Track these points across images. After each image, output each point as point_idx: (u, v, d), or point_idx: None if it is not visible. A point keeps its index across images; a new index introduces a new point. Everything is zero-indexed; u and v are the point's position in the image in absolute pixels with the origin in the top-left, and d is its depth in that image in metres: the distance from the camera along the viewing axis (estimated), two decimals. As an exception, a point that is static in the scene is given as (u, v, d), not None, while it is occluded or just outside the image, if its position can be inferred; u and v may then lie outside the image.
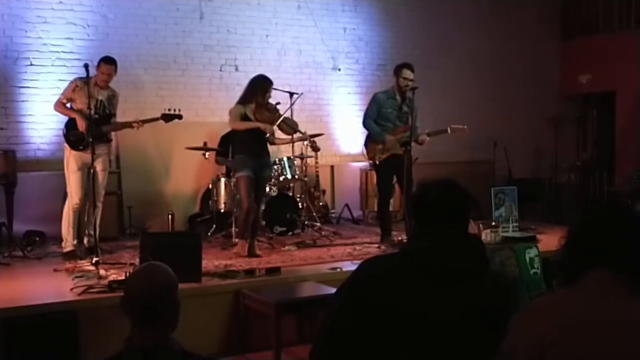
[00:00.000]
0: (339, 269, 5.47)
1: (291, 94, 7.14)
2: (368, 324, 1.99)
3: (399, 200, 7.50)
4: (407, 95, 6.37)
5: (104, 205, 6.22)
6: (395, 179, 6.56)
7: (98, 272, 5.11)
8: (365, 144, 6.67)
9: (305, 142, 7.27)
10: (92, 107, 5.86)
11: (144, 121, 6.18)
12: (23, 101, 7.26)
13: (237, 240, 6.23)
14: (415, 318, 1.96)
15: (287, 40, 8.64)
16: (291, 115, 6.62)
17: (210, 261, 5.68)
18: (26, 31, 7.25)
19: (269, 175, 6.55)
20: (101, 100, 6.07)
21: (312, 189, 8.22)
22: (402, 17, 9.36)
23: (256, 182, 5.99)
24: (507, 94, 9.95)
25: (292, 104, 6.94)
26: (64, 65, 7.36)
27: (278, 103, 6.23)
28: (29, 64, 7.27)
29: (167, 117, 6.30)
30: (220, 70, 8.26)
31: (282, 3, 8.61)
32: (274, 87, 6.16)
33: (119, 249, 6.43)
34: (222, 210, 7.06)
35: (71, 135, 6.01)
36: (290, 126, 6.15)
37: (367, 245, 6.62)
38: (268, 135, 5.91)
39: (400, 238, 6.43)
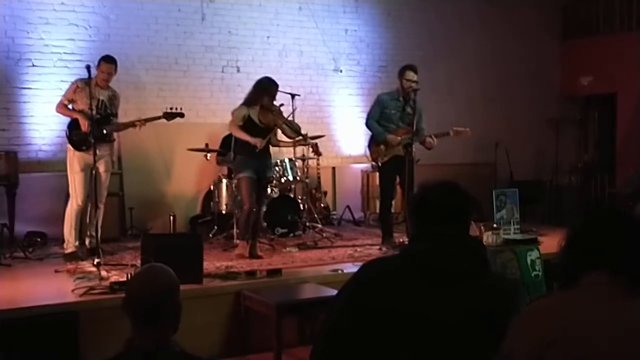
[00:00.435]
0: (340, 271, 5.47)
1: (292, 96, 7.14)
2: (369, 326, 1.99)
3: (401, 202, 7.50)
4: (410, 96, 6.39)
5: (105, 206, 6.23)
6: (398, 180, 6.58)
7: (99, 274, 5.12)
8: (369, 145, 6.68)
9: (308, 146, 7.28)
10: (94, 107, 5.86)
11: (147, 120, 6.18)
12: (25, 102, 7.27)
13: (238, 241, 6.23)
14: (416, 319, 1.96)
15: (288, 41, 8.64)
16: (292, 117, 6.62)
17: (212, 262, 5.68)
18: (28, 32, 7.26)
19: (270, 177, 6.55)
20: (102, 101, 6.08)
21: (314, 191, 8.22)
22: (404, 19, 9.37)
23: (258, 183, 5.99)
24: (508, 96, 9.95)
25: (293, 110, 6.95)
26: (66, 67, 7.37)
27: (281, 104, 6.23)
28: (31, 65, 7.27)
29: (169, 116, 6.31)
30: (222, 72, 8.26)
31: (283, 4, 8.61)
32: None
33: (121, 250, 6.43)
34: (223, 212, 7.07)
35: (74, 136, 6.01)
36: (293, 130, 6.15)
37: (368, 247, 6.63)
38: (267, 138, 5.91)
39: (401, 240, 6.42)
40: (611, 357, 1.64)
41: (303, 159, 7.80)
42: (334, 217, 8.51)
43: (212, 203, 7.23)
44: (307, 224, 7.36)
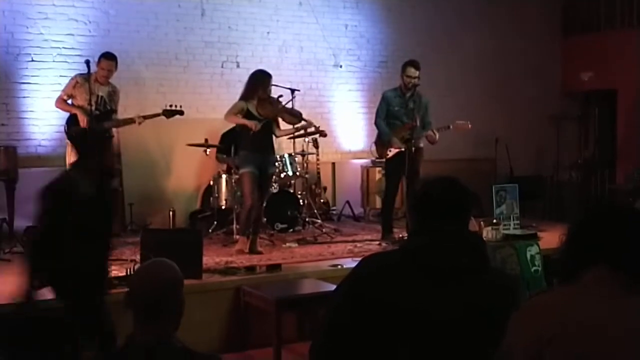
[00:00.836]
0: (339, 266, 5.48)
1: (292, 91, 7.13)
2: (368, 321, 1.99)
3: (401, 198, 7.50)
4: (413, 91, 6.42)
5: (105, 201, 6.21)
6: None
7: (99, 269, 5.10)
8: (376, 142, 6.75)
9: (309, 137, 7.28)
10: (93, 103, 5.85)
11: (146, 117, 6.18)
12: (24, 97, 7.26)
13: (238, 237, 6.23)
14: (415, 315, 1.96)
15: (288, 37, 8.63)
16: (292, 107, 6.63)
17: (211, 258, 5.68)
18: (27, 27, 7.25)
19: (273, 172, 6.51)
20: (102, 97, 6.07)
21: (313, 186, 8.21)
22: (404, 15, 9.35)
23: (260, 178, 5.98)
24: (508, 92, 9.93)
25: (290, 100, 6.93)
26: (65, 62, 7.35)
27: (280, 96, 6.23)
28: (30, 60, 7.26)
29: (169, 113, 6.31)
30: (222, 67, 8.25)
31: (283, 0, 8.60)
32: (274, 83, 6.16)
33: (120, 245, 6.39)
34: (223, 207, 7.07)
35: (72, 132, 6.00)
36: (294, 115, 6.16)
37: (368, 242, 6.64)
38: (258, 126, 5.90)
39: (401, 235, 6.44)
40: (610, 353, 1.64)
41: (303, 154, 7.80)
42: (334, 212, 8.51)
43: (211, 198, 7.23)
44: (307, 219, 7.36)
